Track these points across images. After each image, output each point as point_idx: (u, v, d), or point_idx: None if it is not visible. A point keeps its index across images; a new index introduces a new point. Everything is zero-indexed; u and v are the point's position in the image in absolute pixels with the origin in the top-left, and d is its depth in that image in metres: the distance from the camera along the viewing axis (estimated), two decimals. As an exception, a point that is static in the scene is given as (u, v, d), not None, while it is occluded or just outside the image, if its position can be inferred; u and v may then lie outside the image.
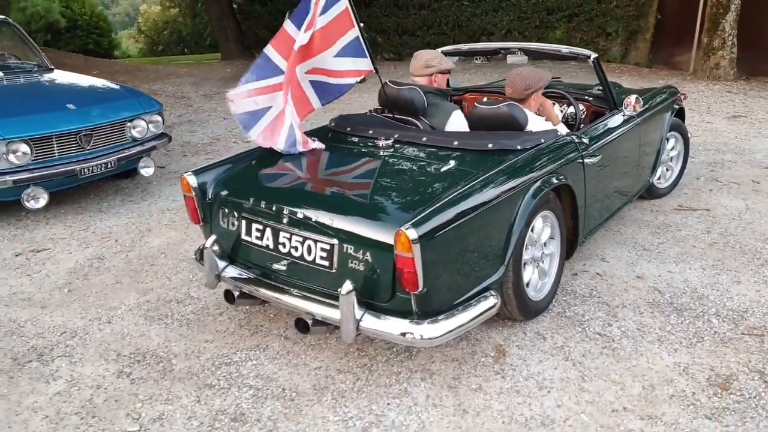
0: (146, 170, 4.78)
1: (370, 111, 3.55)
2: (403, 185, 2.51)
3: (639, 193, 3.95)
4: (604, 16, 13.00)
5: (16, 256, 3.74)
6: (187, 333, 2.82)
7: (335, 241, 2.28)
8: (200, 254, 2.90)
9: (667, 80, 9.95)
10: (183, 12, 31.26)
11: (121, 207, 4.61)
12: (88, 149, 4.30)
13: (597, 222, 3.29)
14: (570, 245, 3.00)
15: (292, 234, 2.41)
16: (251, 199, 2.57)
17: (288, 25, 2.96)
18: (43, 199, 4.07)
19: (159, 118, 4.86)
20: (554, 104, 3.68)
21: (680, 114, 4.40)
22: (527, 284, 2.66)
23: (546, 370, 2.41)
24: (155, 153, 5.00)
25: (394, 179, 2.60)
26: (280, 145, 2.90)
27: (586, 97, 3.85)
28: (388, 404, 2.26)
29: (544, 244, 2.78)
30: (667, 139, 4.21)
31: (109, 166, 4.41)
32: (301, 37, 2.93)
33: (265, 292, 2.52)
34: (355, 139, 3.05)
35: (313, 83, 3.10)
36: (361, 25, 3.15)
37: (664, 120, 4.09)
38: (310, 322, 2.32)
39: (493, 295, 2.37)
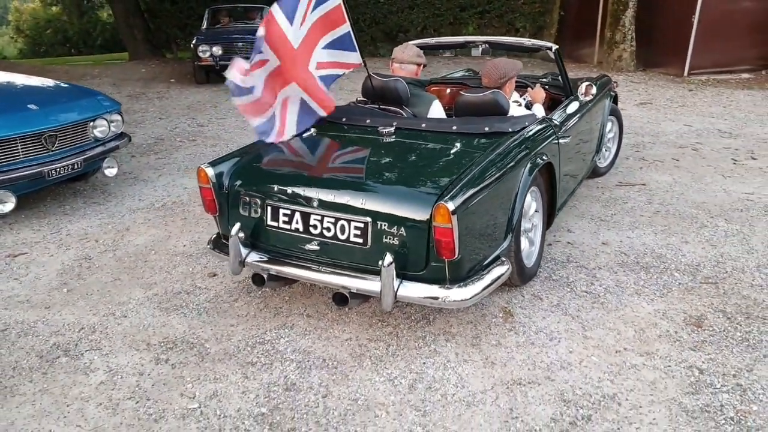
0: (110, 170, 4.70)
1: (355, 102, 3.71)
2: (421, 166, 2.75)
3: (590, 171, 4.43)
4: (512, 13, 13.88)
5: (-6, 261, 3.61)
6: (209, 320, 2.92)
7: (369, 219, 2.49)
8: (215, 243, 3.02)
9: (575, 72, 10.82)
10: (67, 10, 29.46)
11: (86, 209, 4.52)
12: (53, 150, 4.19)
13: (565, 196, 3.70)
14: (548, 217, 3.36)
15: (323, 216, 2.58)
16: (276, 187, 2.72)
17: (277, 12, 2.95)
18: (10, 203, 3.94)
19: (119, 118, 4.78)
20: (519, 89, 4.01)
21: (614, 100, 4.96)
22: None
23: (551, 324, 2.75)
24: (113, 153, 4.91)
25: (410, 161, 2.82)
26: (254, 122, 3.09)
27: (545, 86, 4.26)
28: (424, 363, 2.51)
29: (531, 216, 3.13)
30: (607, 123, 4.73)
31: (76, 167, 4.32)
32: (297, 34, 3.05)
33: (296, 272, 2.68)
34: (356, 128, 3.24)
35: (321, 78, 3.23)
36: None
37: (605, 105, 4.60)
38: (348, 295, 2.53)
39: (505, 262, 2.67)
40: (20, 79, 5.08)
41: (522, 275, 2.98)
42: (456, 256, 2.34)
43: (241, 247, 2.76)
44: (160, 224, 4.18)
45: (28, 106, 4.15)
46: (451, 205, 2.27)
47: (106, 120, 4.60)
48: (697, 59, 10.19)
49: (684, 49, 10.22)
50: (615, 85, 5.03)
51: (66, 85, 4.95)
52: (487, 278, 2.53)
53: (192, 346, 2.69)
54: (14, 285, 3.31)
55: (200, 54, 9.95)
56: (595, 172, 4.81)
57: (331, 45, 3.29)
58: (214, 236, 3.06)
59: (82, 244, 3.87)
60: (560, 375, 2.39)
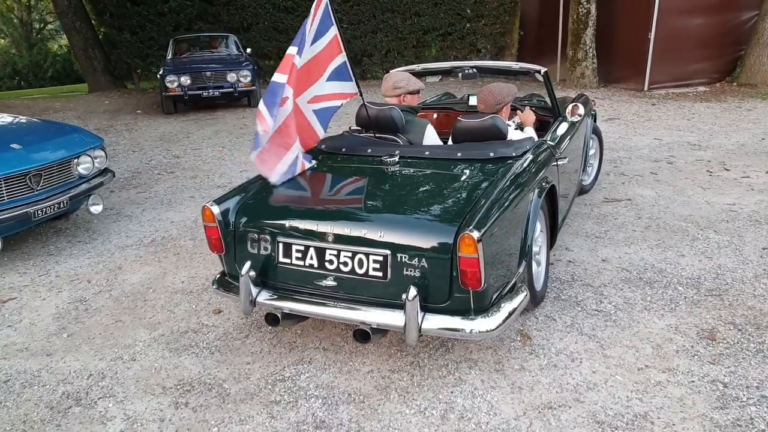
0: (95, 207, 4.58)
1: (349, 131, 3.70)
2: (434, 194, 2.75)
3: (579, 189, 4.52)
4: (474, 34, 14.22)
5: (-17, 308, 3.45)
6: (223, 359, 2.84)
7: (388, 252, 2.44)
8: (219, 282, 2.92)
9: (539, 90, 11.12)
10: (15, 43, 28.84)
11: (72, 248, 4.37)
12: (38, 190, 4.05)
13: (563, 216, 3.76)
14: (551, 238, 3.40)
15: (340, 251, 2.53)
16: (287, 222, 2.66)
17: (291, 50, 2.96)
18: (-2, 246, 3.79)
19: (102, 153, 4.67)
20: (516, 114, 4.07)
21: (594, 118, 5.09)
22: None
23: (569, 345, 2.78)
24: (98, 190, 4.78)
25: (421, 190, 2.81)
26: (273, 178, 2.96)
27: (533, 107, 4.34)
28: (451, 392, 2.49)
29: (537, 239, 3.16)
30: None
31: (62, 205, 4.19)
32: (302, 62, 3.03)
33: (312, 309, 2.61)
34: (358, 158, 3.22)
35: (316, 112, 3.24)
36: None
37: (588, 124, 4.72)
38: (369, 330, 2.48)
39: (522, 288, 2.67)
40: (-5, 117, 4.92)
41: (534, 299, 2.98)
42: (482, 286, 2.32)
43: (251, 286, 2.68)
44: (153, 261, 4.08)
45: (11, 145, 4.02)
46: (476, 234, 2.26)
47: (90, 156, 4.49)
48: (655, 74, 10.59)
49: (643, 65, 10.62)
50: (594, 103, 5.18)
51: (45, 122, 4.81)
52: (509, 306, 2.51)
53: (210, 388, 2.61)
54: (9, 332, 3.17)
55: (168, 84, 9.85)
56: (581, 190, 4.91)
57: (332, 76, 3.30)
58: (218, 275, 2.97)
59: (74, 285, 3.73)
60: (588, 396, 2.40)
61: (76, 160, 4.37)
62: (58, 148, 4.28)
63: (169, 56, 10.92)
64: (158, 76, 10.28)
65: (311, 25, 3.06)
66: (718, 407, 2.30)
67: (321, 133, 3.29)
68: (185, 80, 9.84)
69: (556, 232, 3.41)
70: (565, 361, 2.66)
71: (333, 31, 3.21)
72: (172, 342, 3.01)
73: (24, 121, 4.92)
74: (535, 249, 3.03)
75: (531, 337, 2.86)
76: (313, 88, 3.21)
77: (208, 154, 7.38)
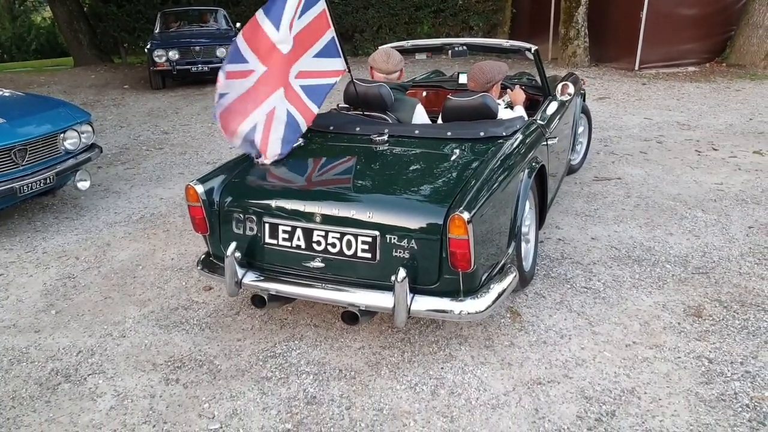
0: (83, 183, 4.52)
1: (337, 108, 3.62)
2: (423, 174, 2.71)
3: (567, 169, 4.52)
4: (466, 12, 14.07)
5: (-31, 285, 3.42)
6: (214, 335, 2.84)
7: (377, 233, 2.41)
8: (204, 263, 2.88)
9: (530, 69, 11.07)
10: (-2, 14, 28.25)
11: (59, 225, 4.33)
12: (23, 165, 3.99)
13: (552, 195, 3.76)
14: (540, 218, 3.39)
15: (327, 232, 2.49)
16: (274, 202, 2.61)
17: (262, 19, 2.87)
18: (-17, 222, 3.73)
19: (89, 128, 4.60)
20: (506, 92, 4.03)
21: (583, 98, 5.07)
22: None
23: (559, 322, 2.81)
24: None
25: (411, 170, 2.77)
26: (236, 141, 2.95)
27: (522, 86, 4.31)
28: (442, 368, 2.51)
29: (526, 219, 3.15)
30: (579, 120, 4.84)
31: (48, 181, 4.14)
32: (283, 38, 2.91)
33: (299, 291, 2.58)
34: (346, 136, 3.17)
35: (303, 87, 3.17)
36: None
37: (577, 103, 4.70)
38: (358, 312, 2.45)
39: (511, 268, 2.66)
40: (-21, 91, 4.82)
41: (523, 280, 2.97)
42: (472, 267, 2.30)
43: (237, 267, 2.63)
44: (142, 237, 4.05)
45: (-5, 119, 3.94)
46: (466, 215, 2.23)
47: (76, 131, 4.42)
48: (646, 54, 10.56)
49: (634, 44, 10.58)
50: (584, 82, 5.15)
51: (30, 96, 4.72)
52: (498, 288, 2.50)
53: (201, 364, 2.62)
54: (-4, 309, 3.14)
55: (156, 59, 9.69)
56: (569, 170, 4.91)
57: (321, 53, 3.22)
58: (203, 256, 2.91)
59: (61, 262, 3.70)
60: (577, 372, 2.44)
61: (62, 135, 4.30)
62: (43, 122, 4.21)
63: (157, 30, 10.74)
64: (146, 50, 10.11)
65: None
66: (703, 382, 2.34)
67: (314, 109, 3.23)
68: (173, 55, 9.69)
69: (545, 212, 3.40)
70: (554, 338, 2.68)
71: (321, 6, 3.11)
72: (162, 319, 3.00)
73: (7, 94, 4.82)
74: (524, 229, 3.01)
75: (521, 314, 2.88)
76: (299, 63, 3.13)
77: (198, 130, 7.30)
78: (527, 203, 2.95)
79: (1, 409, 2.36)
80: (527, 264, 3.08)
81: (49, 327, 2.96)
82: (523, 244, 3.04)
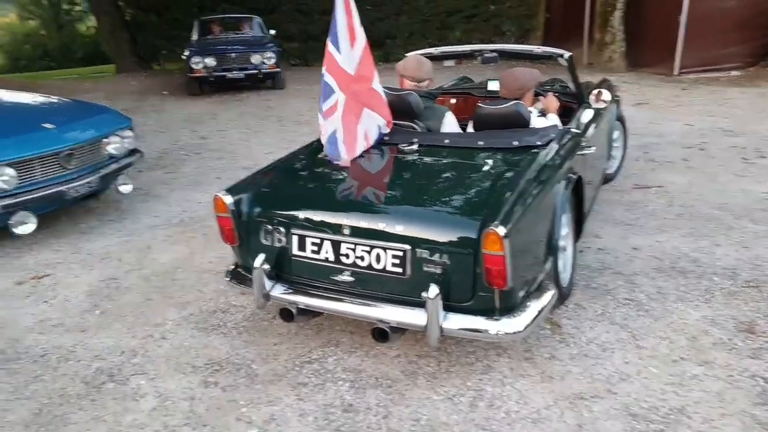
0: (125, 187, 4.63)
1: None
2: (455, 185, 2.64)
3: (603, 178, 4.41)
4: (499, 17, 13.99)
5: (18, 284, 3.53)
6: (251, 339, 2.86)
7: (407, 247, 2.32)
8: (233, 275, 2.83)
9: (562, 75, 10.92)
10: (45, 24, 29.27)
11: (103, 227, 4.44)
12: (70, 169, 4.10)
13: (589, 205, 3.67)
14: (577, 227, 3.23)
15: (356, 244, 2.42)
16: (302, 213, 2.56)
17: (330, 47, 2.86)
18: (32, 224, 3.85)
19: (131, 134, 4.71)
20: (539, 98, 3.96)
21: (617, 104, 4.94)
22: None
23: (601, 335, 2.74)
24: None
25: (442, 180, 2.70)
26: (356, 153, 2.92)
27: (555, 93, 4.20)
28: (480, 379, 2.48)
29: (564, 233, 2.99)
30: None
31: (93, 185, 4.24)
32: (349, 58, 2.87)
33: (328, 305, 2.52)
34: (373, 146, 3.06)
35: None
36: None
37: (612, 110, 4.57)
38: (388, 330, 2.37)
39: (550, 286, 2.55)
40: (29, 98, 4.98)
41: (562, 296, 2.86)
42: (508, 284, 2.20)
43: (265, 279, 2.58)
44: (181, 241, 4.12)
45: (43, 125, 4.06)
46: (501, 230, 2.13)
47: (119, 136, 4.53)
48: (686, 58, 10.32)
49: (673, 48, 10.36)
50: (618, 89, 5.04)
51: (76, 102, 4.86)
52: (536, 306, 2.41)
53: (239, 368, 2.64)
54: (45, 308, 3.23)
55: (193, 66, 9.89)
56: (605, 179, 4.78)
57: None
58: (232, 267, 2.87)
59: (105, 263, 3.79)
60: (621, 387, 2.37)
61: (106, 140, 4.41)
62: (88, 127, 4.32)
63: (195, 37, 10.95)
64: (183, 57, 10.32)
65: (348, 6, 2.94)
66: (759, 403, 2.24)
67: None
68: (210, 62, 9.87)
69: (583, 223, 3.31)
70: (596, 351, 2.62)
71: (355, 11, 3.09)
72: (201, 321, 3.04)
73: (55, 101, 4.98)
74: (561, 243, 2.88)
75: (561, 326, 2.83)
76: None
77: (234, 135, 7.41)
78: (564, 217, 2.85)
79: (51, 406, 2.43)
80: (565, 279, 2.97)
81: (94, 327, 3.03)
82: (560, 258, 2.96)
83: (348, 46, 2.88)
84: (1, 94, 4.93)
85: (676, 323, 2.80)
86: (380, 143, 3.09)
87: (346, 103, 2.88)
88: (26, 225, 3.82)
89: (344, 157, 2.86)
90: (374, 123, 3.03)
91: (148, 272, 3.64)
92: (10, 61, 29.49)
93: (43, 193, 3.88)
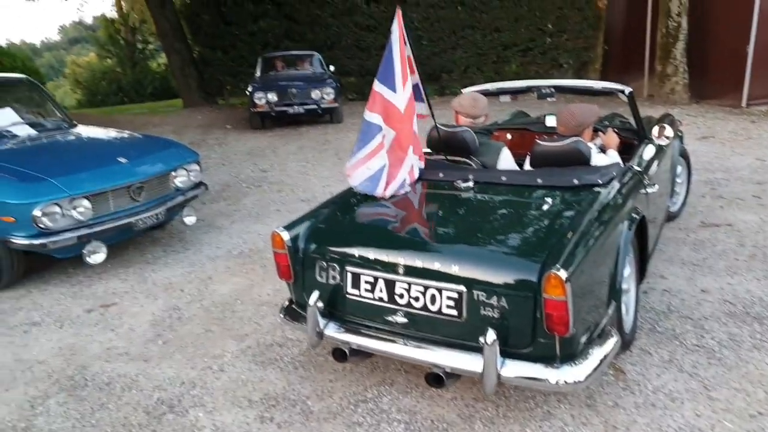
0: (189, 219, 4.80)
1: None
2: (513, 225, 2.58)
3: (667, 215, 4.24)
4: (556, 49, 13.87)
5: (88, 312, 3.69)
6: (307, 374, 2.88)
7: (463, 288, 2.27)
8: (287, 311, 2.83)
9: (621, 109, 10.66)
10: (121, 62, 31.17)
11: (167, 258, 4.60)
12: (140, 201, 4.30)
13: (653, 245, 3.52)
14: (641, 269, 3.08)
15: (411, 284, 2.37)
16: (356, 251, 2.54)
17: (378, 87, 2.94)
18: (103, 254, 4.04)
19: (197, 167, 4.90)
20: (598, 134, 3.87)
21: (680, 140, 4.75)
22: None
23: (668, 383, 2.61)
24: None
25: (499, 219, 2.65)
26: (400, 190, 2.93)
27: (614, 129, 4.09)
28: (540, 426, 2.39)
29: (627, 275, 2.83)
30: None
31: (160, 216, 4.43)
32: (401, 98, 2.93)
33: (381, 347, 2.47)
34: (429, 182, 3.07)
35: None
36: None
37: (675, 146, 4.40)
38: (443, 375, 2.29)
39: (612, 332, 2.43)
40: (104, 133, 5.29)
41: (625, 342, 2.72)
42: (570, 331, 2.11)
43: (319, 317, 2.57)
44: (241, 272, 4.21)
45: (118, 159, 4.30)
46: (563, 274, 2.05)
47: (186, 170, 4.72)
48: (755, 89, 9.92)
49: (740, 80, 9.99)
50: (680, 123, 4.87)
51: (146, 137, 5.12)
52: (599, 353, 2.29)
53: (294, 404, 2.65)
54: (112, 336, 3.36)
55: (256, 101, 10.25)
56: (668, 217, 4.59)
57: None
58: (287, 303, 2.87)
59: (168, 293, 3.92)
60: (692, 441, 2.24)
61: (173, 174, 4.61)
62: (158, 162, 4.54)
63: (258, 74, 11.38)
64: (247, 92, 10.73)
65: (402, 48, 3.00)
66: (844, 465, 2.07)
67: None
68: (272, 97, 10.21)
69: (646, 265, 3.16)
70: (664, 401, 2.49)
71: (408, 51, 3.13)
72: (258, 355, 3.08)
73: (127, 136, 5.26)
74: (624, 286, 2.76)
75: (625, 372, 2.71)
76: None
77: (293, 169, 7.59)
78: (628, 258, 2.73)
79: (112, 435, 2.50)
80: (629, 322, 2.84)
81: (156, 357, 3.12)
82: (623, 300, 2.84)
83: (401, 84, 2.93)
84: (81, 129, 5.24)
85: (752, 374, 2.63)
86: (436, 180, 3.08)
87: (395, 138, 2.92)
88: (98, 254, 4.01)
89: (380, 192, 2.89)
90: (416, 162, 3.05)
91: (208, 303, 3.74)
92: (88, 96, 31.51)
93: (115, 224, 4.08)
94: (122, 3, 30.52)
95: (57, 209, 3.79)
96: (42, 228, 3.75)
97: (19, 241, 3.78)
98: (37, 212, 3.69)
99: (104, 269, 4.34)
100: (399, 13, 2.94)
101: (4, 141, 4.58)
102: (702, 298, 3.37)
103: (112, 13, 32.36)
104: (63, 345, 3.30)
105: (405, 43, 2.95)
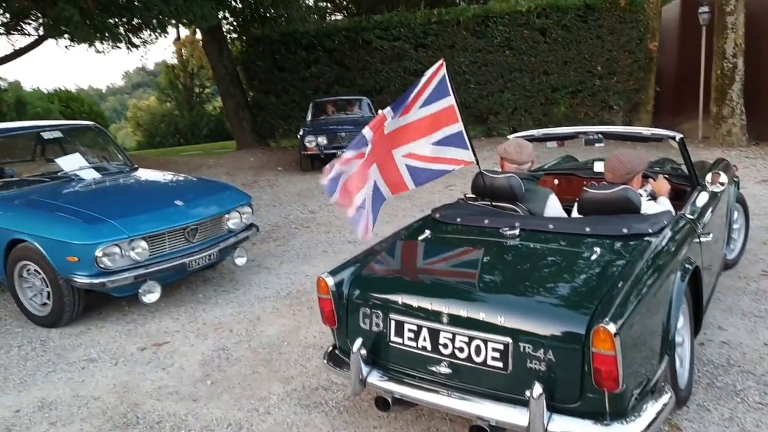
0: (240, 260, 4.92)
1: (464, 199, 3.55)
2: (561, 274, 2.54)
3: (723, 264, 4.08)
4: (606, 91, 13.72)
5: (141, 350, 3.81)
6: (351, 420, 2.87)
7: (509, 340, 2.24)
8: (330, 357, 2.83)
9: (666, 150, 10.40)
10: (179, 105, 32.78)
11: (218, 297, 4.72)
12: (194, 242, 4.46)
13: (709, 295, 3.39)
14: (696, 321, 2.99)
15: (455, 334, 2.36)
16: (400, 298, 2.53)
17: (387, 111, 3.01)
18: (157, 293, 4.18)
19: (249, 210, 5.06)
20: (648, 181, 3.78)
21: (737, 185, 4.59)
22: None
23: (728, 442, 2.48)
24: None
25: (546, 269, 2.60)
26: (349, 213, 2.95)
27: (665, 175, 3.98)
28: (590, 483, 2.30)
29: (680, 327, 2.70)
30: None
31: (212, 257, 4.57)
32: (394, 123, 3.02)
33: (425, 397, 2.43)
34: (474, 229, 3.06)
35: (408, 167, 3.19)
36: None
37: (730, 192, 4.25)
38: (488, 428, 2.26)
39: (666, 388, 2.34)
40: (161, 176, 5.55)
41: (679, 399, 2.62)
42: (620, 387, 2.04)
43: (362, 365, 2.56)
44: (288, 314, 4.28)
45: (175, 202, 4.49)
46: (612, 327, 2.00)
47: (238, 212, 4.88)
48: (819, 129, 9.54)
49: (802, 120, 9.64)
50: (736, 168, 4.72)
51: (201, 180, 5.34)
52: (651, 410, 2.20)
53: (338, 450, 2.64)
54: (162, 375, 3.45)
55: (307, 144, 10.56)
56: (725, 265, 4.41)
57: (442, 142, 3.23)
58: (330, 349, 2.88)
59: (218, 333, 4.01)
60: (755, 507, 2.11)
61: (227, 216, 4.77)
62: (213, 204, 4.71)
63: (309, 118, 11.75)
64: (298, 136, 11.06)
65: (423, 89, 3.08)
66: None
67: (410, 186, 3.25)
68: (322, 140, 10.50)
69: (701, 317, 3.05)
70: (723, 461, 2.37)
71: (450, 101, 3.11)
72: (303, 398, 3.11)
73: (183, 179, 5.49)
74: (678, 339, 2.64)
75: (682, 429, 2.60)
76: (413, 145, 3.15)
77: (341, 211, 7.69)
78: (681, 310, 2.64)
79: (160, 474, 2.55)
80: (684, 377, 2.72)
81: (205, 397, 3.18)
82: (677, 354, 2.72)
83: (400, 113, 3.00)
84: (141, 173, 5.51)
85: (821, 436, 2.48)
86: (481, 226, 3.08)
87: (369, 153, 2.96)
88: (152, 294, 4.15)
89: (361, 235, 2.92)
90: (377, 192, 3.09)
91: (256, 344, 3.81)
92: (147, 137, 33.21)
93: (170, 264, 4.24)
94: (182, 50, 32.30)
95: (117, 250, 3.97)
96: (102, 268, 3.93)
97: (81, 279, 3.97)
98: (99, 252, 3.88)
99: (157, 308, 4.49)
100: (443, 63, 3.02)
101: (73, 184, 4.86)
102: (765, 352, 3.21)
103: (172, 59, 34.33)
104: (117, 382, 3.41)
105: (449, 92, 3.03)
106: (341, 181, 3.01)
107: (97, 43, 10.57)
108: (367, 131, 3.02)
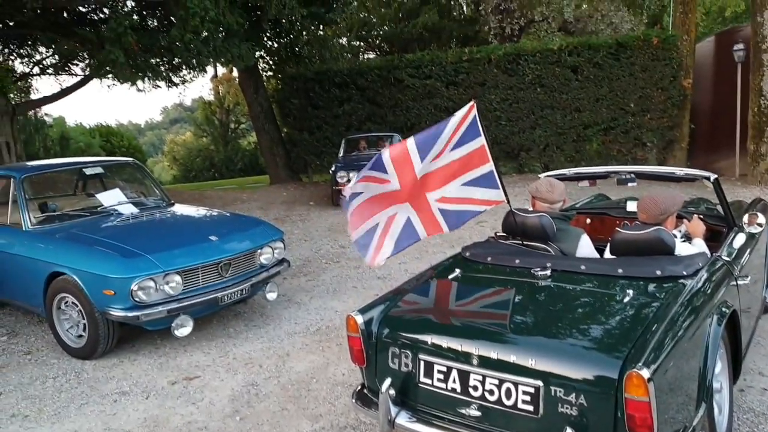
0: (272, 294, 4.97)
1: (495, 237, 3.53)
2: (593, 317, 2.50)
3: (764, 307, 3.95)
4: (639, 128, 13.57)
5: (172, 384, 3.85)
6: (379, 461, 2.84)
7: (540, 383, 2.20)
8: (359, 396, 2.80)
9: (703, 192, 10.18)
10: (215, 140, 33.72)
11: (248, 332, 4.76)
12: (226, 277, 4.53)
13: (749, 339, 3.28)
14: (734, 367, 2.90)
15: (485, 376, 2.33)
16: (429, 339, 2.51)
17: (410, 144, 2.97)
18: (189, 327, 4.25)
19: (281, 245, 5.13)
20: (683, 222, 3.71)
21: None
22: None
23: (773, 496, 2.37)
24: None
25: (578, 311, 2.57)
26: (354, 236, 3.03)
27: (700, 216, 3.89)
28: None
29: (718, 373, 2.64)
30: None
31: (244, 292, 4.63)
32: (425, 167, 3.03)
33: None
34: (505, 269, 3.03)
35: (441, 211, 3.18)
36: None
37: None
38: None
39: None
40: (195, 211, 5.70)
41: None
42: None
43: (391, 405, 2.52)
44: (318, 350, 4.29)
45: (210, 237, 4.59)
46: (646, 373, 1.96)
47: (271, 248, 4.96)
48: None
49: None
50: None
51: (234, 216, 5.46)
52: None
53: (366, 492, 2.61)
54: (193, 410, 3.48)
55: (338, 179, 10.71)
56: (765, 308, 4.27)
57: (472, 183, 3.24)
58: (359, 388, 2.85)
59: (248, 368, 4.04)
60: None
61: (259, 251, 4.85)
62: (245, 239, 4.80)
63: (341, 153, 11.94)
64: (330, 171, 11.23)
65: (455, 132, 3.10)
66: None
67: (445, 229, 3.26)
68: (353, 176, 10.60)
69: (740, 363, 2.95)
70: None
71: (480, 141, 3.11)
72: (331, 437, 3.09)
73: (217, 214, 5.62)
74: (715, 386, 2.57)
75: (722, 481, 2.49)
76: (445, 188, 3.19)
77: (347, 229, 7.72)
78: (718, 355, 2.55)
79: None
80: (723, 426, 2.63)
81: (233, 433, 3.19)
82: (715, 400, 2.63)
83: (433, 156, 3.00)
84: (177, 208, 5.66)
85: None
86: (512, 266, 3.05)
87: (396, 192, 2.98)
88: (185, 328, 4.22)
89: (369, 261, 2.98)
90: (410, 227, 3.11)
91: (285, 380, 3.82)
92: (183, 171, 34.10)
93: (202, 298, 4.31)
94: (219, 87, 33.39)
95: (151, 284, 4.06)
96: (137, 301, 4.02)
97: (116, 313, 4.06)
98: (134, 286, 3.98)
99: (189, 341, 4.55)
100: (473, 105, 3.04)
101: (111, 219, 5.03)
102: (810, 401, 3.08)
103: (209, 96, 35.49)
104: (148, 416, 3.45)
105: (480, 133, 3.05)
106: (357, 200, 3.04)
107: (139, 82, 11.03)
108: (386, 158, 3.02)
